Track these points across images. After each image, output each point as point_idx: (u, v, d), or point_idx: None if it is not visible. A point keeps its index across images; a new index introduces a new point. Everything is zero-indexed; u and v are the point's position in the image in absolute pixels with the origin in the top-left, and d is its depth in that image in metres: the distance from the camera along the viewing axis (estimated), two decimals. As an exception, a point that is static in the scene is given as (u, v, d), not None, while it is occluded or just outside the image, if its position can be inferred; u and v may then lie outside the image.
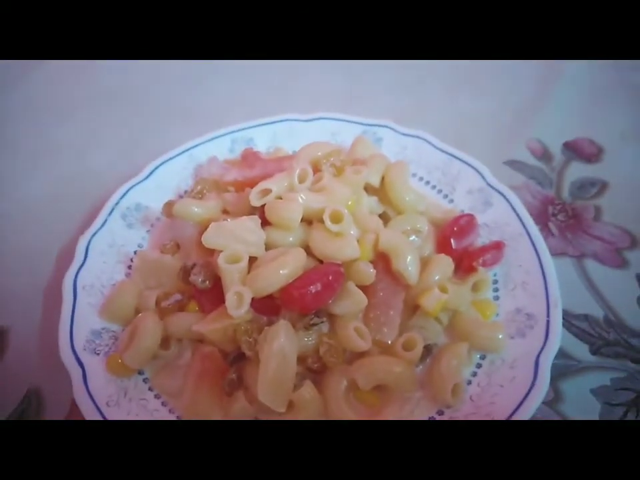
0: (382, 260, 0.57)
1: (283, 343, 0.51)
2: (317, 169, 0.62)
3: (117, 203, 0.67)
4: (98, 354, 0.56)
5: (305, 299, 0.52)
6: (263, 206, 0.58)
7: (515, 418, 0.49)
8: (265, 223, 0.58)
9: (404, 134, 0.75)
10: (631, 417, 0.58)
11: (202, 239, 0.55)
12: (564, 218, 0.77)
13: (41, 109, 0.95)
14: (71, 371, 0.53)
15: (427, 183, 0.73)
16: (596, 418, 0.58)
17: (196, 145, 0.74)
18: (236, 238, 0.55)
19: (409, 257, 0.56)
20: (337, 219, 0.55)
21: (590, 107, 0.94)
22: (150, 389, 0.55)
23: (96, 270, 0.62)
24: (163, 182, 0.71)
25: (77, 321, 0.57)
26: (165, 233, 0.66)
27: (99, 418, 0.50)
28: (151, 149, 0.76)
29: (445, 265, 0.59)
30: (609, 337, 0.64)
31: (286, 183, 0.59)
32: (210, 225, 0.55)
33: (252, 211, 0.59)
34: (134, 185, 0.69)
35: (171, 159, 0.73)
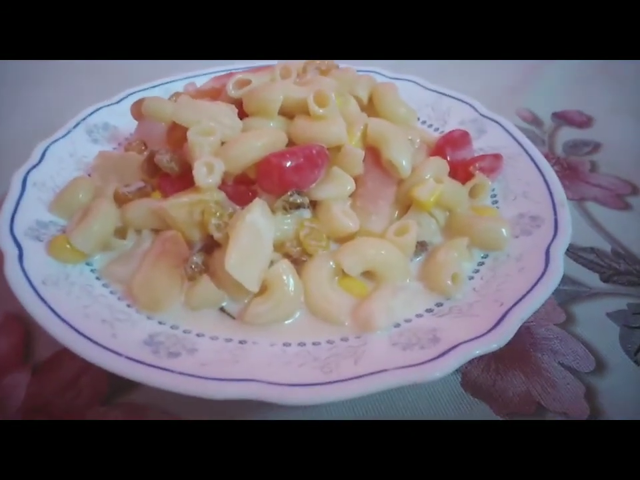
0: (371, 153, 0.52)
1: (256, 217, 0.44)
2: (302, 74, 0.58)
3: (83, 119, 0.62)
4: (41, 241, 0.48)
5: (285, 170, 0.46)
6: (241, 102, 0.53)
7: (524, 301, 0.42)
8: (243, 116, 0.52)
9: (392, 77, 0.73)
10: (653, 339, 0.51)
11: (171, 114, 0.49)
12: (559, 169, 0.73)
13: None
14: (5, 251, 0.45)
15: (417, 119, 0.69)
16: (616, 340, 0.51)
17: (174, 80, 0.71)
18: (210, 117, 0.49)
19: (402, 147, 0.51)
20: (322, 102, 0.50)
21: (575, 86, 0.94)
22: (97, 279, 0.46)
23: (51, 171, 0.55)
24: (135, 108, 0.66)
25: (21, 211, 0.49)
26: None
27: (33, 296, 0.41)
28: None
29: (439, 163, 0.53)
30: (619, 267, 0.59)
31: (267, 78, 0.55)
32: (181, 98, 0.50)
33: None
34: (104, 106, 0.64)
35: (146, 89, 0.69)
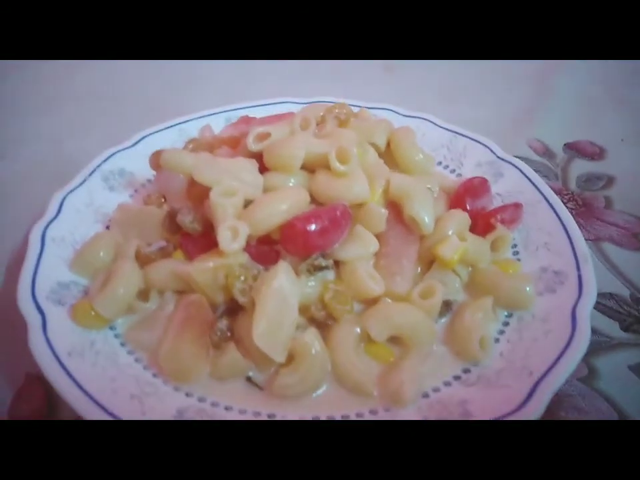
0: (393, 209, 0.51)
1: (282, 283, 0.44)
2: (321, 124, 0.57)
3: (98, 165, 0.61)
4: (63, 305, 0.47)
5: (310, 234, 0.45)
6: (261, 155, 0.53)
7: (554, 371, 0.42)
8: (263, 170, 0.52)
9: (406, 115, 0.72)
10: (675, 395, 0.51)
11: (192, 172, 0.49)
12: (574, 206, 0.73)
13: (20, 103, 0.91)
14: (28, 319, 0.44)
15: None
16: (638, 395, 0.50)
17: (188, 120, 0.70)
18: (231, 175, 0.49)
19: (424, 203, 0.50)
20: (343, 159, 0.50)
21: (585, 116, 0.93)
22: (122, 345, 0.46)
23: (69, 226, 0.55)
24: (150, 151, 0.65)
25: (41, 271, 0.49)
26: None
27: (58, 369, 0.41)
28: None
29: (461, 217, 0.53)
30: (639, 315, 0.58)
31: (287, 130, 0.54)
32: (201, 157, 0.49)
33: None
34: (119, 150, 0.64)
35: (160, 130, 0.68)
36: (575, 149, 0.85)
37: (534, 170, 0.77)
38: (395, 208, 0.51)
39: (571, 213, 0.70)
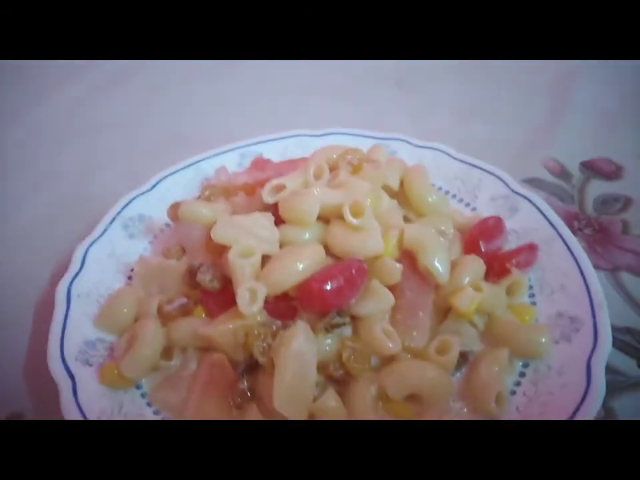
0: (407, 258, 0.52)
1: (301, 345, 0.45)
2: (333, 170, 0.58)
3: (118, 213, 0.63)
4: (91, 365, 0.49)
5: (326, 295, 0.46)
6: (276, 206, 0.54)
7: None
8: (279, 222, 0.53)
9: (419, 146, 0.72)
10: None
11: (211, 232, 0.50)
12: (591, 232, 0.73)
13: (41, 137, 0.93)
14: (59, 383, 0.46)
15: (447, 192, 0.69)
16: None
17: (203, 159, 0.71)
18: (248, 233, 0.50)
19: (438, 253, 0.51)
20: (357, 212, 0.51)
21: (602, 131, 0.92)
22: (148, 405, 0.48)
23: (93, 279, 0.57)
24: (167, 194, 0.67)
25: (69, 330, 0.51)
26: (169, 244, 0.61)
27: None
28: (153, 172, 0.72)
29: (476, 264, 0.54)
30: (656, 350, 0.58)
31: (301, 180, 0.55)
32: (220, 218, 0.50)
33: (264, 210, 0.55)
34: (137, 196, 0.65)
35: (176, 171, 0.69)
36: (591, 168, 0.84)
37: (550, 193, 0.78)
38: (410, 257, 0.52)
39: (588, 240, 0.71)
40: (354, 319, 0.49)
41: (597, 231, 0.73)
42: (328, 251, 0.52)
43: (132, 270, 0.59)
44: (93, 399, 0.46)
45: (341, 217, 0.52)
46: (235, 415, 0.46)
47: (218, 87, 1.03)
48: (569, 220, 0.74)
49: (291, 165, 0.60)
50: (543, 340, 0.49)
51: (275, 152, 0.73)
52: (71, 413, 0.44)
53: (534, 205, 0.63)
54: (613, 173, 0.83)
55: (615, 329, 0.60)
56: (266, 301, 0.48)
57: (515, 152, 0.87)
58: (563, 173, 0.83)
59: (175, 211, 0.57)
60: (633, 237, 0.72)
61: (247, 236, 0.50)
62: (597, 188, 0.80)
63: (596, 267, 0.66)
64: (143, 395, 0.49)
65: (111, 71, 1.08)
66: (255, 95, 1.01)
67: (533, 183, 0.80)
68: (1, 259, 0.71)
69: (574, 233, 0.71)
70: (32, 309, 0.63)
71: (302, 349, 0.45)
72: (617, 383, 0.55)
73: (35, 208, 0.79)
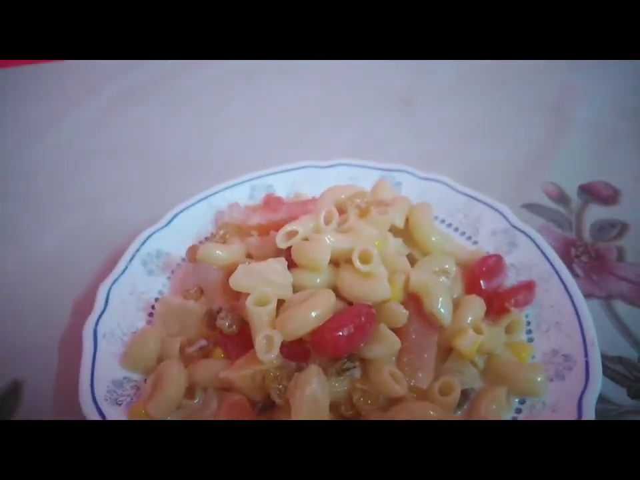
0: (413, 301, 0.56)
1: (315, 389, 0.49)
2: (341, 211, 0.61)
3: (137, 250, 0.67)
4: (120, 404, 0.53)
5: (338, 343, 0.50)
6: (289, 249, 0.57)
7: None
8: (292, 265, 0.57)
9: (423, 178, 0.76)
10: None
11: (229, 281, 0.53)
12: (587, 259, 0.76)
13: (54, 164, 0.96)
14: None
15: (449, 225, 0.72)
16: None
17: (215, 192, 0.75)
18: (263, 280, 0.54)
19: (442, 297, 0.54)
20: (366, 259, 0.54)
21: (601, 152, 0.95)
22: (174, 442, 0.52)
23: (116, 317, 0.60)
24: (183, 229, 0.70)
25: (97, 370, 0.55)
26: (186, 279, 0.65)
27: (122, 474, 0.47)
28: (166, 201, 0.75)
29: (477, 305, 0.57)
30: (647, 379, 0.62)
31: (312, 225, 0.58)
32: (238, 267, 0.54)
33: (277, 253, 0.58)
34: (154, 232, 0.69)
35: (190, 206, 0.73)
36: (589, 192, 0.87)
37: (549, 219, 0.81)
38: (415, 300, 0.56)
39: (585, 268, 0.74)
40: (363, 361, 0.53)
41: (594, 259, 0.76)
42: (338, 293, 0.55)
43: (153, 307, 0.63)
44: (123, 439, 0.50)
45: (349, 261, 0.55)
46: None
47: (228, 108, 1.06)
48: (567, 247, 0.78)
49: (302, 207, 0.63)
50: (539, 379, 0.53)
51: (283, 184, 0.77)
52: (103, 453, 0.48)
53: (532, 240, 0.66)
54: (610, 197, 0.86)
55: (606, 358, 0.63)
56: (282, 345, 0.52)
57: (515, 175, 0.90)
58: (562, 198, 0.86)
59: (193, 253, 0.61)
60: (627, 265, 0.75)
61: (263, 283, 0.53)
62: (594, 213, 0.83)
63: (590, 295, 0.71)
64: (168, 434, 0.53)
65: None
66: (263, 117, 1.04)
67: (532, 208, 0.83)
68: (24, 289, 0.75)
69: (571, 260, 0.75)
70: (57, 340, 0.67)
71: (315, 392, 0.49)
72: (607, 412, 0.59)
73: (52, 236, 0.83)
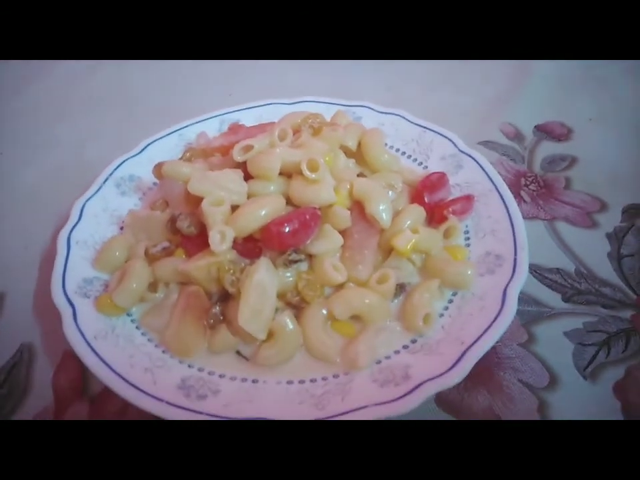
0: (357, 207, 0.61)
1: (263, 276, 0.54)
2: (297, 133, 0.66)
3: (111, 173, 0.72)
4: (88, 297, 0.59)
5: (283, 235, 0.55)
6: (245, 163, 0.62)
7: (482, 341, 0.51)
8: (248, 177, 0.62)
9: (381, 112, 0.80)
10: (601, 355, 0.60)
11: (187, 185, 0.59)
12: (535, 188, 0.81)
13: (39, 109, 1.02)
14: (61, 310, 0.56)
15: (403, 153, 0.77)
16: (569, 357, 0.60)
17: (186, 126, 0.80)
18: (219, 186, 0.59)
19: (382, 202, 0.60)
20: (313, 167, 0.59)
21: (559, 97, 0.99)
22: (137, 328, 0.58)
23: (89, 229, 0.66)
24: (154, 157, 0.75)
25: (69, 269, 0.60)
26: (155, 199, 0.70)
27: (87, 349, 0.52)
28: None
29: (417, 212, 0.62)
30: (580, 287, 0.67)
31: (267, 141, 0.63)
32: (194, 168, 0.59)
33: (236, 168, 0.63)
34: (128, 158, 0.74)
35: (162, 137, 0.78)
36: (544, 131, 0.91)
37: (503, 154, 0.86)
38: (359, 205, 0.61)
39: (532, 195, 0.79)
40: (309, 257, 0.58)
41: (541, 187, 0.81)
42: (290, 201, 0.60)
43: (123, 222, 0.68)
44: (90, 323, 0.55)
45: (301, 173, 0.60)
46: (208, 334, 0.55)
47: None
48: (517, 177, 0.82)
49: (261, 129, 0.68)
50: (469, 272, 0.58)
51: (251, 118, 0.81)
52: (71, 333, 0.54)
53: (477, 162, 0.71)
54: (563, 135, 0.91)
55: (546, 270, 0.69)
56: (236, 243, 0.57)
57: (475, 117, 0.95)
58: (517, 136, 0.91)
59: (159, 169, 0.66)
60: (573, 192, 0.80)
61: (218, 188, 0.58)
62: (547, 149, 0.88)
63: (535, 217, 0.76)
64: (132, 320, 0.58)
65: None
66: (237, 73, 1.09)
67: (488, 145, 0.88)
68: (9, 215, 0.80)
69: (520, 188, 0.80)
70: (38, 258, 0.72)
71: (263, 278, 0.54)
72: (542, 313, 0.64)
73: (37, 171, 0.88)
